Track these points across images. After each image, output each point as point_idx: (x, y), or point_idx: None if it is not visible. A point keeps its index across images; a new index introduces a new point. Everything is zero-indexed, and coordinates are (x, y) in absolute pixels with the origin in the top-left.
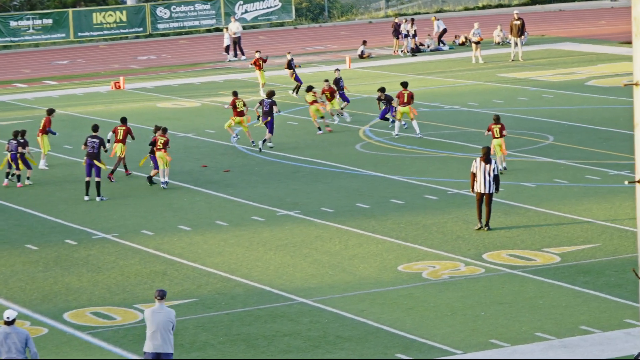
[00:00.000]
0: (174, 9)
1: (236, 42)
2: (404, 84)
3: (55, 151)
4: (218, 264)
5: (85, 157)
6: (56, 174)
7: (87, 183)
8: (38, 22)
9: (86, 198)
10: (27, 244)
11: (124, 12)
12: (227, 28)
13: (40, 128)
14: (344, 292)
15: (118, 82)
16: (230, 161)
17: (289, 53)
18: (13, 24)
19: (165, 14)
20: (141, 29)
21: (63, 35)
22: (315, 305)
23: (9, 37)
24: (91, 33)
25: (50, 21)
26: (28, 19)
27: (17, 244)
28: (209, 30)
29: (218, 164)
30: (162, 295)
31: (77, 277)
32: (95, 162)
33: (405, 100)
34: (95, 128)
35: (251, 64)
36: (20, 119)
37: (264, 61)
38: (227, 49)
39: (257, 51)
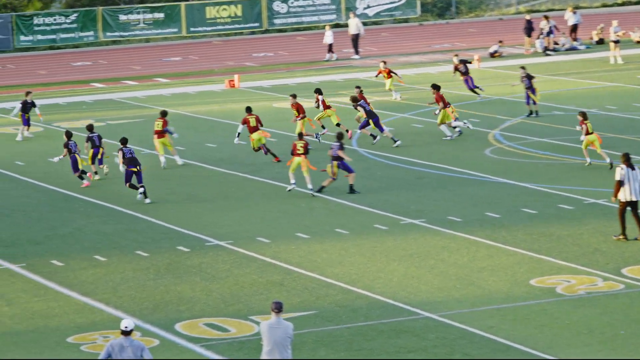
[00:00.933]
0: (292, 3)
1: (354, 39)
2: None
3: (166, 153)
4: (338, 274)
5: (125, 167)
6: (167, 177)
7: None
8: (149, 16)
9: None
10: (138, 250)
11: (239, 6)
12: (328, 25)
13: (159, 130)
14: (472, 306)
15: (232, 81)
16: (351, 165)
17: (455, 56)
18: (122, 17)
19: (282, 8)
20: (257, 25)
21: (175, 30)
22: (442, 320)
23: (119, 31)
24: (204, 28)
25: (161, 15)
26: (138, 13)
27: (127, 250)
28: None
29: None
30: (279, 308)
31: (190, 285)
32: (137, 167)
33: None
34: (124, 141)
35: (377, 75)
36: (131, 118)
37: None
38: (330, 47)
39: (382, 61)
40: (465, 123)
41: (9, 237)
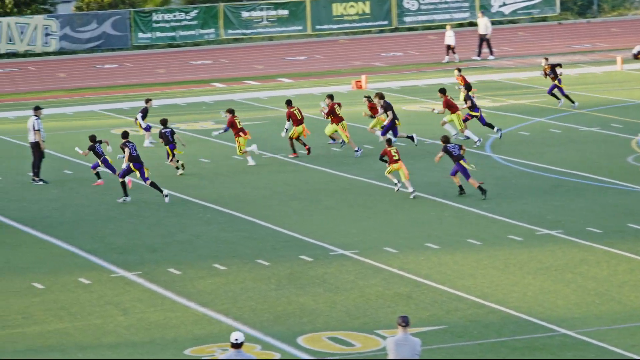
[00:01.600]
0: (423, 0)
1: (483, 39)
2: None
3: (289, 157)
4: (469, 287)
5: (130, 163)
6: (290, 182)
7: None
8: (273, 13)
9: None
10: (258, 258)
11: (367, 3)
12: (449, 25)
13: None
14: (612, 324)
15: (359, 81)
16: (485, 173)
17: (545, 59)
18: (245, 14)
19: (412, 5)
20: (386, 22)
21: (299, 28)
22: (580, 337)
23: (241, 29)
24: (330, 26)
25: (286, 12)
26: (262, 10)
27: (247, 259)
28: (461, 25)
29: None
30: (406, 323)
31: (313, 297)
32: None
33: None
34: (125, 134)
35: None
36: (254, 120)
37: None
38: (448, 48)
39: (457, 69)
40: (455, 134)
41: (125, 244)
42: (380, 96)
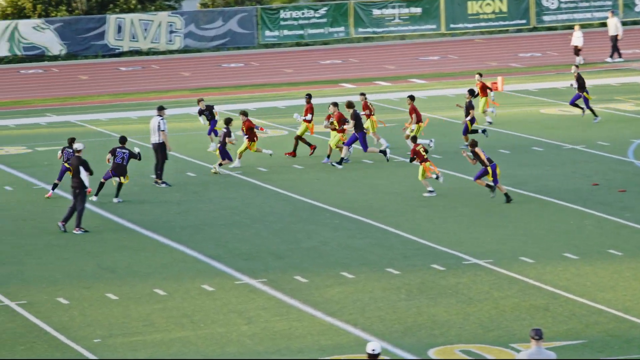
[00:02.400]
0: None
1: (614, 40)
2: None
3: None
4: (610, 300)
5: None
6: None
7: (102, 184)
8: (405, 10)
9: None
10: (388, 267)
11: (504, 1)
12: (578, 25)
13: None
14: None
15: (495, 83)
16: (627, 179)
17: (576, 67)
18: (376, 12)
19: (552, 4)
20: (524, 22)
21: (433, 26)
22: None
23: (372, 27)
24: (465, 25)
25: (419, 10)
26: (394, 7)
27: (376, 267)
28: (603, 24)
29: (611, 182)
30: (539, 336)
31: (445, 308)
32: (121, 178)
33: None
34: (123, 140)
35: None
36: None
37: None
38: (575, 50)
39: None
40: (430, 142)
41: (250, 250)
42: (349, 105)
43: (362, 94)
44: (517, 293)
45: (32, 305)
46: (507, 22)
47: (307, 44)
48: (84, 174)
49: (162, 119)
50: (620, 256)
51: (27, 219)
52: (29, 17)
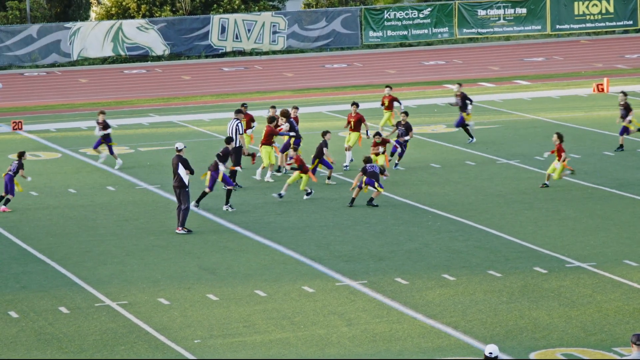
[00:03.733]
0: None
1: None
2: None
3: (482, 162)
4: None
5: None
6: (526, 189)
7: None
8: (510, 11)
9: None
10: (490, 269)
11: (611, 1)
12: None
13: (262, 139)
14: None
15: (601, 84)
16: None
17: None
18: (481, 13)
19: None
20: (630, 22)
21: (539, 27)
22: None
23: (476, 28)
24: (571, 25)
25: (524, 11)
26: (499, 8)
27: (478, 270)
28: None
29: None
30: None
31: (547, 311)
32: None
33: None
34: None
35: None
36: (487, 124)
37: None
38: None
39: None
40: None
41: (351, 252)
42: (285, 114)
43: (354, 104)
44: (620, 296)
45: (133, 305)
46: (613, 23)
47: (410, 45)
48: (182, 172)
49: (239, 121)
50: None
51: (129, 219)
52: (133, 17)
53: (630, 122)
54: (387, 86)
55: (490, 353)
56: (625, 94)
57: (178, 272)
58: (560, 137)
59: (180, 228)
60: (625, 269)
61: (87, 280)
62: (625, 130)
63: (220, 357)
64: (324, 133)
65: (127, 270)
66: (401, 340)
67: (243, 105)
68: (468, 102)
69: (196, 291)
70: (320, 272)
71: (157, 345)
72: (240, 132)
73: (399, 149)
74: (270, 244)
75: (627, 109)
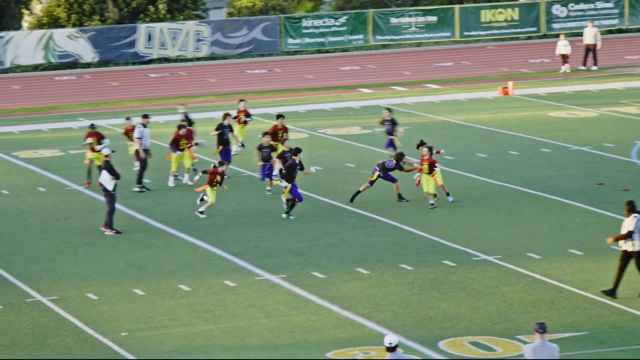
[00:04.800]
0: (572, 7)
1: (590, 49)
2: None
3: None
4: None
5: None
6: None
7: None
8: (421, 19)
9: None
10: (402, 263)
11: (516, 10)
12: (563, 35)
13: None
14: None
15: (506, 88)
16: (630, 179)
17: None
18: (394, 20)
19: (562, 12)
20: (534, 29)
21: (448, 34)
22: None
23: (389, 35)
24: (479, 32)
25: (434, 18)
26: (410, 16)
27: (390, 263)
28: (610, 32)
29: (616, 181)
30: (543, 329)
31: (455, 302)
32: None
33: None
34: None
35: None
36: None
37: None
38: (563, 58)
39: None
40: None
41: (270, 247)
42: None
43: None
44: (524, 287)
45: (63, 300)
46: (518, 30)
47: (327, 51)
48: (106, 178)
49: (140, 127)
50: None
51: (60, 218)
52: (63, 27)
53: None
54: (241, 99)
55: (390, 343)
56: (390, 110)
57: (106, 269)
58: (430, 149)
59: (107, 228)
60: (529, 262)
61: (19, 277)
62: (391, 144)
63: (147, 349)
64: (296, 151)
65: (58, 267)
66: (318, 331)
67: (144, 115)
68: (397, 127)
69: (123, 286)
70: (241, 267)
71: (85, 338)
72: (139, 137)
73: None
74: (193, 241)
75: (393, 124)
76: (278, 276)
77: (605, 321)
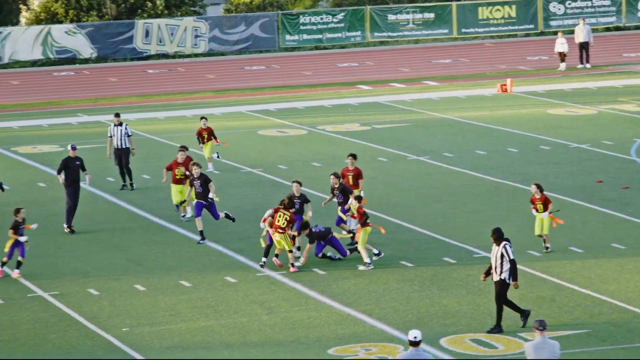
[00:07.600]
0: (569, 4)
1: (584, 47)
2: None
3: (431, 157)
4: (613, 291)
5: None
6: (435, 184)
7: None
8: (419, 16)
9: None
10: (402, 260)
11: (514, 7)
12: (561, 32)
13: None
14: None
15: (505, 85)
16: (630, 177)
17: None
18: (391, 17)
19: (559, 9)
20: (532, 26)
21: (446, 31)
22: None
23: (387, 32)
24: (476, 29)
25: (432, 15)
26: (408, 13)
27: (391, 260)
28: (607, 29)
29: (615, 179)
30: (543, 327)
31: (456, 299)
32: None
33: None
34: None
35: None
36: (397, 123)
37: None
38: (561, 55)
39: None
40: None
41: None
42: (337, 175)
43: (203, 118)
44: (524, 285)
45: (64, 296)
46: (516, 27)
47: (325, 48)
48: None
49: (115, 126)
50: (623, 250)
51: (60, 214)
52: (61, 22)
53: None
54: (202, 117)
55: (415, 337)
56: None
57: (107, 264)
58: (540, 187)
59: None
60: (529, 259)
61: (21, 272)
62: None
63: (148, 344)
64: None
65: (59, 263)
66: (319, 327)
67: (116, 114)
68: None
69: (124, 282)
70: (242, 263)
71: (87, 333)
72: (129, 134)
73: None
74: (194, 237)
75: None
76: (279, 272)
77: (606, 319)
